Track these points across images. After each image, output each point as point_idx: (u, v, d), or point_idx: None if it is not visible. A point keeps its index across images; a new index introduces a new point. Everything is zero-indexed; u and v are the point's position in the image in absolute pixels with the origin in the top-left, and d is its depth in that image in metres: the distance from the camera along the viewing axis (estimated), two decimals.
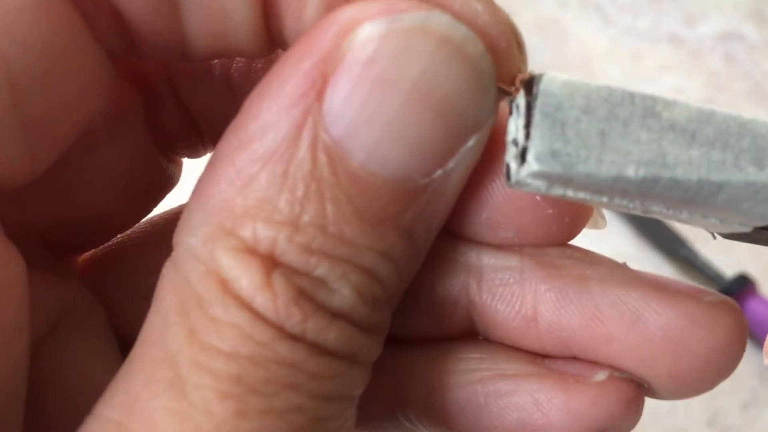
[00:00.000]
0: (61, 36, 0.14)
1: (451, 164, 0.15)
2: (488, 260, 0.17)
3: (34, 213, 0.18)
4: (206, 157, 0.15)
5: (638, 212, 0.15)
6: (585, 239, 0.17)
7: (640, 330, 0.16)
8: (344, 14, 0.14)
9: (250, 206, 0.14)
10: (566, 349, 0.17)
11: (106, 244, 0.21)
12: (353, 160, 0.14)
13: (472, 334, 0.18)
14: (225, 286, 0.14)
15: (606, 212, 0.18)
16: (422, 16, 0.14)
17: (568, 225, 0.17)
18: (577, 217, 0.17)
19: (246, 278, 0.14)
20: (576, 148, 0.14)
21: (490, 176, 0.16)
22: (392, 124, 0.14)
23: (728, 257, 0.59)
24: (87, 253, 0.21)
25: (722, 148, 0.14)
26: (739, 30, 0.71)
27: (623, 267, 0.17)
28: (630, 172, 0.14)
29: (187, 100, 0.20)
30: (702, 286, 0.17)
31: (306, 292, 0.14)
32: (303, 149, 0.14)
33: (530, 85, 0.14)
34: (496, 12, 0.15)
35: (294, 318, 0.14)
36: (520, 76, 0.15)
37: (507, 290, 0.17)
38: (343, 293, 0.14)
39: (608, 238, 0.59)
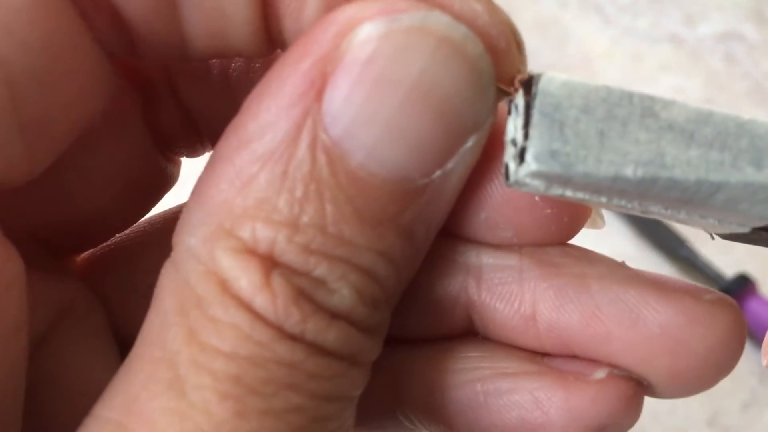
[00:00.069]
0: (59, 35, 0.14)
1: (450, 164, 0.15)
2: (487, 260, 0.17)
3: (33, 213, 0.18)
4: (206, 157, 0.15)
5: (637, 212, 0.15)
6: (584, 239, 0.17)
7: (640, 328, 0.16)
8: (343, 14, 0.14)
9: (250, 206, 0.14)
10: (566, 347, 0.17)
11: (105, 244, 0.21)
12: (352, 160, 0.14)
13: (471, 333, 0.18)
14: (224, 287, 0.14)
15: (606, 212, 0.18)
16: (421, 16, 0.14)
17: (566, 225, 0.17)
18: (575, 216, 0.17)
19: (245, 278, 0.14)
20: (575, 148, 0.14)
21: (489, 176, 0.16)
22: (391, 124, 0.14)
23: (728, 257, 0.59)
24: (86, 253, 0.21)
25: (720, 148, 0.14)
26: (739, 30, 0.71)
27: (622, 265, 0.17)
28: (628, 172, 0.14)
29: (186, 99, 0.20)
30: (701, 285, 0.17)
31: (305, 292, 0.14)
32: (302, 149, 0.14)
33: (529, 85, 0.14)
34: (496, 12, 0.15)
35: (293, 318, 0.14)
36: (519, 76, 0.15)
37: (506, 289, 0.17)
38: (342, 293, 0.14)
39: (608, 238, 0.59)
